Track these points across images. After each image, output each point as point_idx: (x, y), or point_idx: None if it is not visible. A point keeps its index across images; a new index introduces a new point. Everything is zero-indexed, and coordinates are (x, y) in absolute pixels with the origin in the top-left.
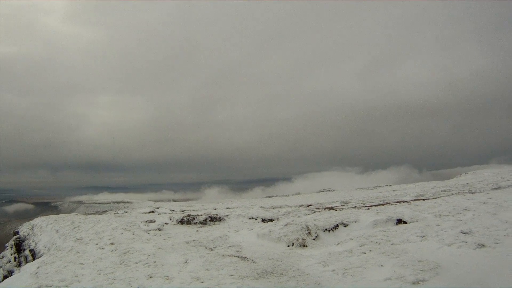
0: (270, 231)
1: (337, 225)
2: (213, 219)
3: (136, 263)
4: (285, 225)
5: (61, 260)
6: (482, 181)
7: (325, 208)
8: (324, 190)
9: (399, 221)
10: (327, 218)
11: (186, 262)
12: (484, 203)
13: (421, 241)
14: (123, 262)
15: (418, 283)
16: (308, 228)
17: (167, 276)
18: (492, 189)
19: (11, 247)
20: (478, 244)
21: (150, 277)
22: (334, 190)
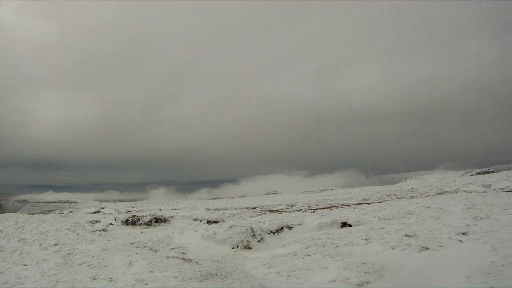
0: (215, 233)
1: (282, 228)
2: (158, 220)
3: (80, 264)
4: (230, 227)
5: (4, 261)
6: (426, 186)
7: (270, 211)
8: (270, 193)
9: (344, 224)
10: (272, 221)
11: (130, 263)
12: (428, 207)
13: (366, 244)
14: (67, 263)
15: (362, 285)
16: (253, 231)
17: (111, 278)
18: (436, 194)
19: None
20: (422, 247)
21: (94, 279)
22: (280, 193)
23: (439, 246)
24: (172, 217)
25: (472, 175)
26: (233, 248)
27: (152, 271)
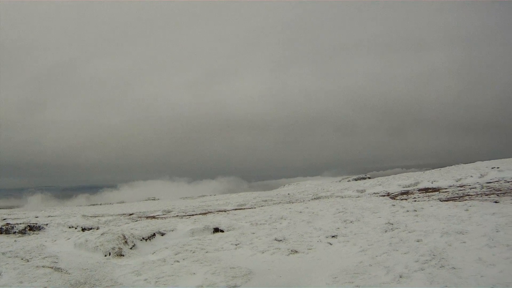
0: (86, 241)
1: (154, 234)
2: (33, 228)
3: None
4: (102, 234)
5: None
6: (303, 191)
7: (147, 217)
8: (149, 199)
9: (216, 230)
10: (144, 227)
11: (0, 274)
12: (301, 212)
13: (236, 249)
14: None
15: None
16: (124, 237)
17: None
18: (312, 199)
19: None
20: (292, 250)
21: None
22: (158, 199)
23: (308, 249)
24: (47, 224)
25: (349, 181)
26: (105, 255)
27: (21, 282)
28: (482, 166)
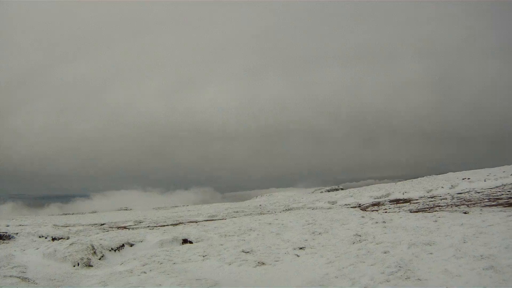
0: (55, 251)
1: (123, 245)
2: (2, 237)
3: None
4: (71, 244)
5: None
6: (275, 203)
7: (118, 227)
8: (121, 209)
9: (185, 241)
10: (113, 238)
11: None
12: (270, 223)
13: (203, 260)
14: None
15: None
16: (93, 248)
17: None
18: (282, 210)
19: None
20: (259, 262)
21: None
22: (131, 209)
23: (276, 261)
24: (17, 233)
25: (321, 192)
26: (74, 266)
27: None
28: (453, 177)
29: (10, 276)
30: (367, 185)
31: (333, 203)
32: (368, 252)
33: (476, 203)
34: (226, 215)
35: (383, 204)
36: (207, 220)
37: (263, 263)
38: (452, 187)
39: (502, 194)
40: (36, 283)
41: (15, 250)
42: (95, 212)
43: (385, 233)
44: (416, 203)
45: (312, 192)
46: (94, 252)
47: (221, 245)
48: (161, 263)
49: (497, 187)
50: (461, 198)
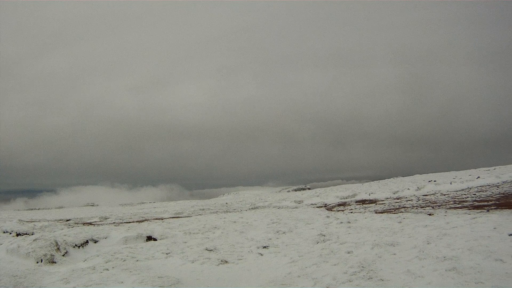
0: (19, 246)
1: (87, 241)
2: None
3: None
4: (34, 240)
5: None
6: (241, 201)
7: (84, 223)
8: (88, 205)
9: (149, 238)
10: (77, 234)
11: None
12: (235, 222)
13: (166, 258)
14: None
15: None
16: (57, 244)
17: None
18: (249, 209)
19: None
20: (222, 260)
21: None
22: (97, 205)
23: (239, 259)
24: None
25: (288, 191)
26: (37, 262)
27: None
28: (419, 179)
29: None
30: (334, 185)
31: (299, 202)
32: (332, 252)
33: (441, 205)
34: (192, 213)
35: (349, 205)
36: (172, 217)
37: (226, 262)
38: (418, 189)
39: (468, 197)
40: None
41: None
42: (62, 207)
43: (349, 233)
44: (382, 204)
45: (279, 191)
46: (58, 249)
47: (185, 242)
48: (124, 260)
49: (462, 190)
50: (427, 200)
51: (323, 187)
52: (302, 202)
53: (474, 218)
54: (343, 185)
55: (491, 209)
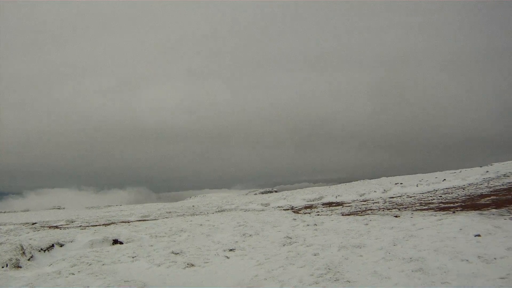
0: None
1: (53, 245)
2: None
3: None
4: None
5: None
6: (208, 204)
7: (49, 227)
8: (55, 208)
9: (116, 242)
10: (43, 237)
11: None
12: (201, 225)
13: (132, 261)
14: None
15: None
16: (22, 248)
17: None
18: (215, 212)
19: None
20: (188, 264)
21: None
22: (64, 208)
23: (205, 263)
24: None
25: (255, 194)
26: (2, 267)
27: None
28: (386, 182)
29: None
30: (302, 188)
31: (266, 205)
32: (298, 254)
33: (408, 207)
34: (159, 216)
35: (316, 207)
36: (139, 220)
37: (193, 265)
38: (385, 191)
39: (434, 199)
40: None
41: None
42: (28, 210)
43: (316, 235)
44: (349, 206)
45: (246, 194)
46: (23, 253)
47: (151, 246)
48: (90, 264)
49: (428, 192)
50: (393, 202)
51: (290, 190)
52: (269, 205)
53: (440, 220)
54: (310, 188)
55: (457, 210)
